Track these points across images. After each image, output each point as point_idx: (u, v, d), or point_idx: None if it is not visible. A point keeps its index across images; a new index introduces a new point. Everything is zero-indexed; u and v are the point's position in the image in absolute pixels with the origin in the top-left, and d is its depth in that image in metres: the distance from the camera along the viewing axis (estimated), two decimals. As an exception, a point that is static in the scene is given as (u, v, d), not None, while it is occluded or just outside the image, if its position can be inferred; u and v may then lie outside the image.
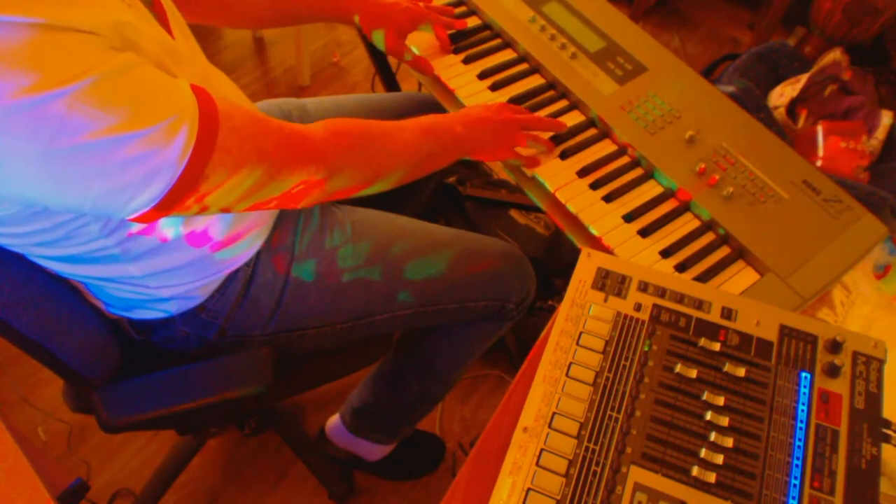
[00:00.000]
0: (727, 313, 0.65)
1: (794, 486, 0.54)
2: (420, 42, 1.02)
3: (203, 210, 0.60)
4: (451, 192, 1.52)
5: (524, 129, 0.89)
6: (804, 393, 0.60)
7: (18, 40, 0.46)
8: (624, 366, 0.62)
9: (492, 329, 1.08)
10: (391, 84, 1.38)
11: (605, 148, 0.92)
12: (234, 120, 0.58)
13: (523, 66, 1.01)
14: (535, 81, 0.99)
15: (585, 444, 0.57)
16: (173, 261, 0.77)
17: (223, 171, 0.57)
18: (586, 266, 0.69)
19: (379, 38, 0.98)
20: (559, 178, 0.88)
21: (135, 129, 0.51)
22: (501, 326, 1.08)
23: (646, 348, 0.63)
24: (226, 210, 0.63)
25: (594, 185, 0.88)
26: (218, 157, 0.56)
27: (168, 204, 0.56)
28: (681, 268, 0.81)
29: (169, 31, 0.69)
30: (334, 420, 1.32)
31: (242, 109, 0.61)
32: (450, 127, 0.85)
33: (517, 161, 0.89)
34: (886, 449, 0.56)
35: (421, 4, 1.01)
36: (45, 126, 0.48)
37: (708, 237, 0.84)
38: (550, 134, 0.92)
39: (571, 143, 0.92)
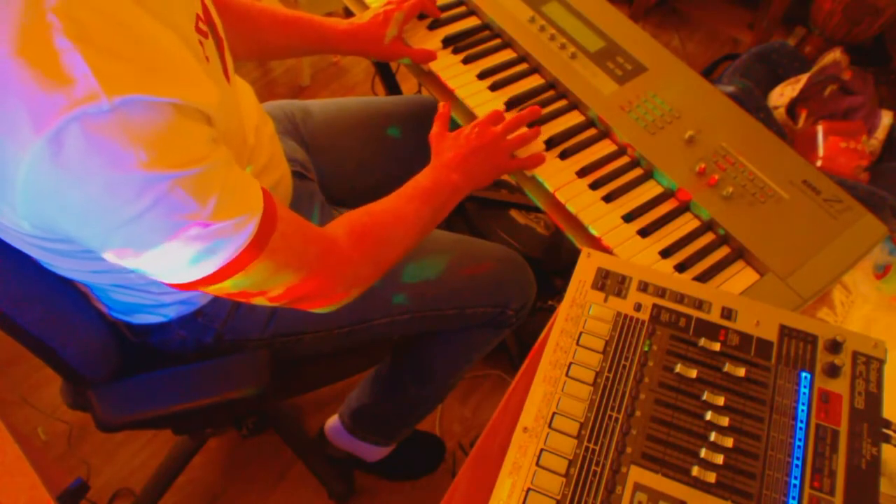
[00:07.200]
0: (727, 313, 0.65)
1: (794, 486, 0.54)
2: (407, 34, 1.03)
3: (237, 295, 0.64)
4: (451, 193, 1.52)
5: (509, 133, 0.89)
6: (804, 393, 0.60)
7: (152, 120, 0.50)
8: (624, 366, 0.62)
9: (490, 336, 1.07)
10: (391, 84, 1.38)
11: (604, 148, 0.92)
12: (285, 225, 0.63)
13: (523, 66, 1.01)
14: (534, 81, 0.99)
15: (585, 444, 0.57)
16: None
17: (263, 268, 0.62)
18: (586, 266, 0.69)
19: (405, 61, 1.02)
20: (559, 178, 0.88)
21: (215, 220, 0.55)
22: (499, 333, 1.08)
23: (646, 348, 0.63)
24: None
25: (594, 185, 0.87)
26: (265, 255, 0.61)
27: (204, 283, 0.60)
28: (681, 268, 0.81)
29: (226, 70, 0.71)
30: (333, 421, 1.32)
31: (295, 217, 0.67)
32: (447, 179, 0.85)
33: (522, 167, 0.89)
34: (886, 449, 0.56)
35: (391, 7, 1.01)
36: (145, 197, 0.52)
37: (708, 237, 0.84)
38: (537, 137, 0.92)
39: (571, 142, 0.92)
